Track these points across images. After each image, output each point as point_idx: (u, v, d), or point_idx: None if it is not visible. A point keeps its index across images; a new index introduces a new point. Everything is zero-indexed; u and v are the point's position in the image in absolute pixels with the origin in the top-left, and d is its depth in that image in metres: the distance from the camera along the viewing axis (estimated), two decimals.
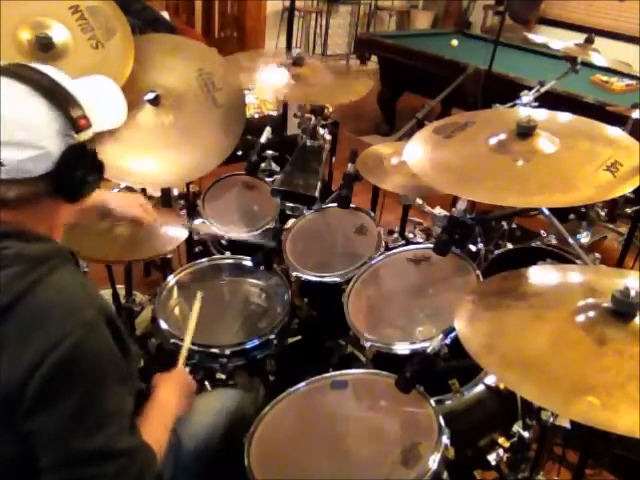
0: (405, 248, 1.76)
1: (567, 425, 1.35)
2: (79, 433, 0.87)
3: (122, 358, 0.94)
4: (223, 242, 2.07)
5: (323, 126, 2.15)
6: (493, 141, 1.33)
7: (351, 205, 1.79)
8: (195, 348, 1.51)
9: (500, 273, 1.23)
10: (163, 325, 1.64)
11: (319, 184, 1.99)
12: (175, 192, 2.58)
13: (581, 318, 1.00)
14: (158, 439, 1.05)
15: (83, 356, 0.87)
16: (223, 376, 1.59)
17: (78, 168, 0.95)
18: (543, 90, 2.38)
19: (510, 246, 2.18)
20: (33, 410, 0.85)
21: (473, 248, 2.13)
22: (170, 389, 1.23)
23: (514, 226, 2.46)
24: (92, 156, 0.99)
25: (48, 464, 0.87)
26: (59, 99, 0.93)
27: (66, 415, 0.86)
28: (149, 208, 1.62)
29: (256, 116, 3.94)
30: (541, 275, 1.25)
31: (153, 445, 0.99)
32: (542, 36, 3.38)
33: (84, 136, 0.96)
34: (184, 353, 1.42)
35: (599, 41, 2.68)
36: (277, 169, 2.30)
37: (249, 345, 1.60)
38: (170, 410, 1.18)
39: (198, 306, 1.53)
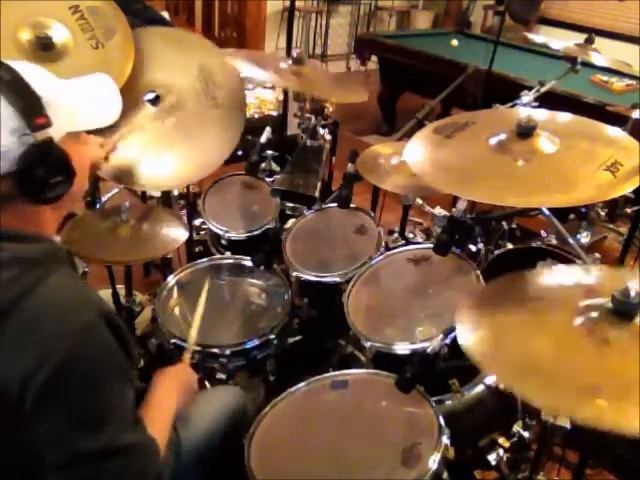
0: (405, 248, 1.76)
1: (567, 425, 1.35)
2: (82, 433, 0.87)
3: (123, 354, 0.94)
4: (223, 242, 2.07)
5: (323, 126, 2.15)
6: (493, 141, 1.32)
7: (351, 205, 1.79)
8: (195, 348, 1.51)
9: (500, 277, 1.23)
10: (163, 325, 1.64)
11: (319, 184, 1.98)
12: (175, 192, 2.58)
13: (582, 319, 1.00)
14: (160, 431, 1.05)
15: (82, 358, 0.87)
16: (223, 376, 1.59)
17: (39, 168, 0.91)
18: (543, 90, 2.38)
19: (510, 246, 2.18)
20: (34, 414, 0.85)
21: (473, 248, 2.12)
22: (169, 382, 1.23)
23: (514, 226, 2.45)
24: (58, 157, 0.95)
25: (52, 465, 0.87)
26: (17, 96, 0.90)
27: (68, 417, 0.86)
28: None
29: (256, 116, 3.94)
30: (542, 277, 1.24)
31: (156, 437, 0.98)
32: (542, 36, 3.38)
33: (41, 135, 0.91)
34: (190, 347, 1.43)
35: (599, 41, 2.67)
36: (277, 169, 2.30)
37: (249, 345, 1.60)
38: (170, 403, 1.17)
39: (204, 298, 1.53)
